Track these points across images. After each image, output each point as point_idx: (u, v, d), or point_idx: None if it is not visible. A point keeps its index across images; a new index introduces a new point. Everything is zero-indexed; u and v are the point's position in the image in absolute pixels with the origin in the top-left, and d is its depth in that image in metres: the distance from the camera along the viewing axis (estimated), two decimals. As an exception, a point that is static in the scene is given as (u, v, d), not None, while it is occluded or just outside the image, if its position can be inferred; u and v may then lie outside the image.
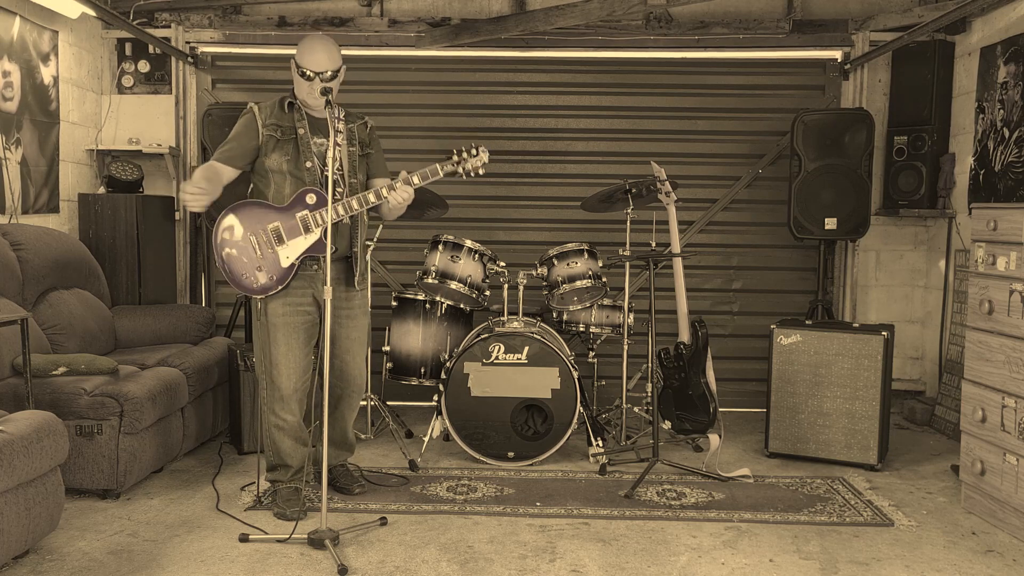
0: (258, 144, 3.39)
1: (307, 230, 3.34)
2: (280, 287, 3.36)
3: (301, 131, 3.40)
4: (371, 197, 3.35)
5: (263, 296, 3.37)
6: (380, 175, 3.64)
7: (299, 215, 3.35)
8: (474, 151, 3.39)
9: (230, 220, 3.39)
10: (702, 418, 4.14)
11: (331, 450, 3.64)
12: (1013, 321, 3.35)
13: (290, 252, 3.35)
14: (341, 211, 3.32)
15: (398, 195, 3.35)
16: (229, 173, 3.41)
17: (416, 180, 3.37)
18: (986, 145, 4.67)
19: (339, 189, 3.41)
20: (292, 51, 3.47)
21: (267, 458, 3.57)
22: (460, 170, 3.39)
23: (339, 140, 3.42)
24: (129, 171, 5.00)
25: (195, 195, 3.23)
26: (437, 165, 3.37)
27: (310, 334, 3.47)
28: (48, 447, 2.89)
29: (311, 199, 3.34)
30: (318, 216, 3.33)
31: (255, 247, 3.36)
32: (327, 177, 3.34)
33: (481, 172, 3.42)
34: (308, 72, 3.36)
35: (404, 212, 3.58)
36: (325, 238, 3.24)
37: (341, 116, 3.44)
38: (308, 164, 3.38)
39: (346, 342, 3.55)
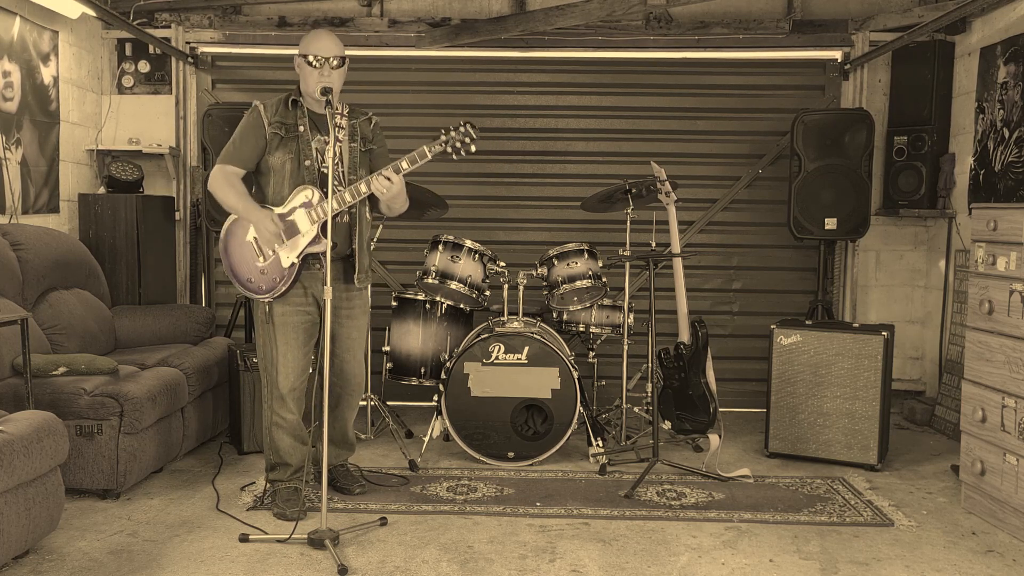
0: (265, 143, 3.37)
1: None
2: (284, 288, 3.34)
3: (301, 128, 3.37)
4: (362, 187, 3.30)
5: (270, 298, 3.36)
6: None
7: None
8: (461, 128, 3.27)
9: (232, 224, 3.42)
10: (702, 418, 4.14)
11: (331, 449, 3.64)
12: (1013, 321, 3.35)
13: (290, 252, 3.34)
14: (336, 205, 3.25)
15: (379, 183, 3.25)
16: (241, 174, 3.40)
17: (404, 165, 3.28)
18: (986, 145, 4.67)
19: (338, 187, 3.37)
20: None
21: (266, 457, 3.57)
22: (449, 148, 3.28)
23: (340, 136, 3.39)
24: (129, 171, 5.00)
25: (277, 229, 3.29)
26: (424, 147, 3.29)
27: (310, 334, 3.47)
28: (48, 447, 2.89)
29: (306, 196, 3.32)
30: (312, 213, 3.32)
31: (256, 249, 3.37)
32: (325, 174, 3.32)
33: (473, 149, 3.29)
34: (317, 58, 3.30)
35: (404, 210, 3.56)
36: (324, 235, 3.19)
37: (345, 112, 3.44)
38: (307, 162, 3.36)
39: (346, 341, 3.54)
